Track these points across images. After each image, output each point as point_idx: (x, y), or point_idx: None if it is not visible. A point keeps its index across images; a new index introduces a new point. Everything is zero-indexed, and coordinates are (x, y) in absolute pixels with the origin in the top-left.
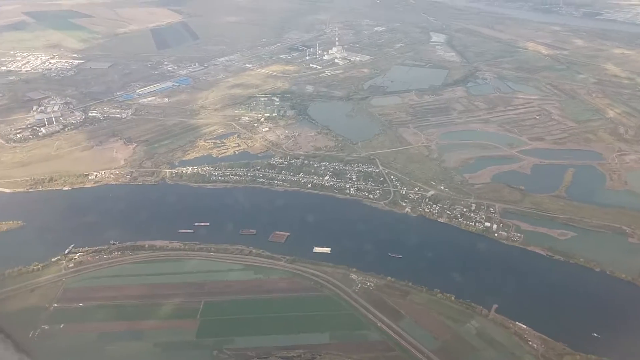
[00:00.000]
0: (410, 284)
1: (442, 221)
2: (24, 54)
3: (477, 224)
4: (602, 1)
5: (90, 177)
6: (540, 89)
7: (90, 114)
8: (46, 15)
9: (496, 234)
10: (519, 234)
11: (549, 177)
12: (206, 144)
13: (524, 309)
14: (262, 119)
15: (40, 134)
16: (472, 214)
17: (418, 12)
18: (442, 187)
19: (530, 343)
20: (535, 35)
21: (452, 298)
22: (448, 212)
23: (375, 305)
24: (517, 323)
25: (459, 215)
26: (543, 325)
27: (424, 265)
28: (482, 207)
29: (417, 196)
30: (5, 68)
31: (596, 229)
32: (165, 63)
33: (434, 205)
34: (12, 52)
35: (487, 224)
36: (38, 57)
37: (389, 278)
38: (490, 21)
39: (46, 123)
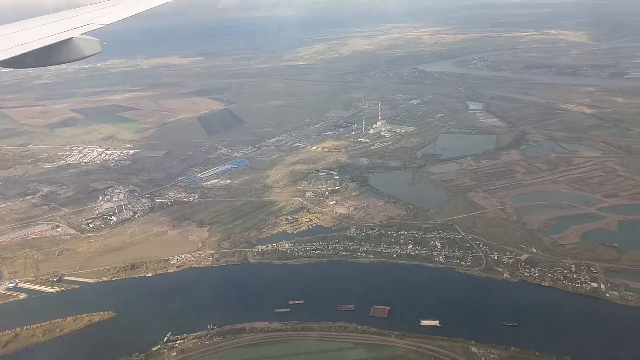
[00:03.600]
0: (537, 353)
1: (545, 285)
2: (80, 148)
3: (583, 285)
4: (626, 61)
5: (171, 262)
6: (596, 147)
7: (157, 200)
8: (94, 111)
9: (607, 294)
10: (631, 293)
11: (638, 232)
12: (278, 220)
13: None
14: (327, 193)
15: (112, 222)
16: (574, 275)
17: (446, 84)
18: (534, 250)
19: None
20: (571, 97)
21: None
22: (549, 274)
23: None
24: None
25: (561, 278)
26: None
27: (544, 332)
28: (582, 267)
29: (511, 260)
30: (64, 162)
31: None
32: (219, 147)
33: (532, 269)
34: (68, 147)
35: (594, 285)
36: (94, 149)
37: (512, 348)
38: (521, 87)
39: (116, 211)
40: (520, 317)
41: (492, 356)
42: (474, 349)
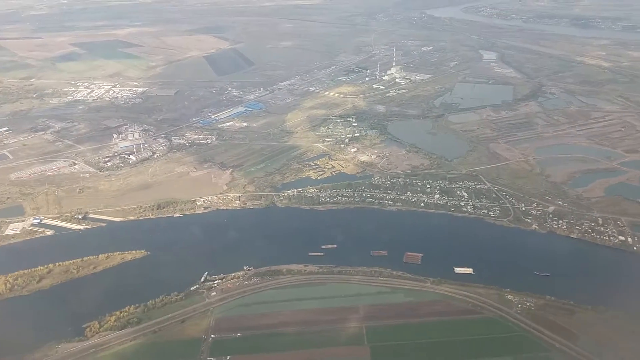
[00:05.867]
0: (572, 302)
1: (574, 237)
2: (86, 84)
3: (611, 238)
4: (638, 15)
5: (198, 204)
6: (613, 102)
7: (174, 141)
8: (95, 46)
9: (635, 248)
10: None
11: None
12: (301, 166)
13: None
14: (347, 140)
15: (130, 161)
16: (602, 229)
17: (457, 31)
18: (560, 203)
19: None
20: (585, 50)
21: (621, 315)
22: (577, 227)
23: (545, 326)
24: None
25: (589, 230)
26: None
27: (576, 283)
28: (609, 221)
29: (538, 212)
30: (72, 97)
31: None
32: (230, 89)
33: (560, 221)
34: (72, 82)
35: (622, 238)
36: (100, 86)
37: (547, 297)
38: (534, 38)
39: (134, 150)
40: (552, 267)
41: (528, 304)
42: (509, 297)
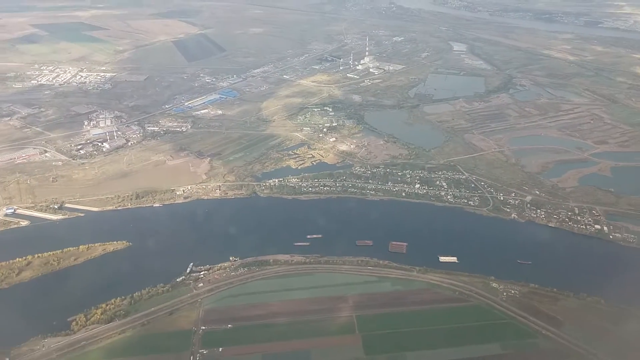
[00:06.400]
0: (555, 289)
1: (552, 225)
2: (50, 68)
3: (587, 227)
4: (598, 10)
5: (178, 193)
6: (580, 95)
7: (148, 128)
8: (57, 28)
9: (611, 236)
10: (632, 235)
11: (631, 178)
12: (281, 155)
13: None
14: (325, 129)
15: (104, 149)
16: (578, 217)
17: (427, 23)
18: (537, 192)
19: None
20: (550, 43)
21: (602, 301)
22: (555, 216)
23: (531, 313)
24: None
25: (567, 219)
26: None
27: (557, 271)
28: (585, 210)
29: (516, 202)
30: (36, 82)
31: None
32: (202, 75)
33: (538, 210)
34: (36, 66)
35: (598, 227)
36: (66, 70)
37: (531, 285)
38: (502, 31)
39: (107, 138)
40: (533, 256)
41: (512, 292)
42: (494, 285)
